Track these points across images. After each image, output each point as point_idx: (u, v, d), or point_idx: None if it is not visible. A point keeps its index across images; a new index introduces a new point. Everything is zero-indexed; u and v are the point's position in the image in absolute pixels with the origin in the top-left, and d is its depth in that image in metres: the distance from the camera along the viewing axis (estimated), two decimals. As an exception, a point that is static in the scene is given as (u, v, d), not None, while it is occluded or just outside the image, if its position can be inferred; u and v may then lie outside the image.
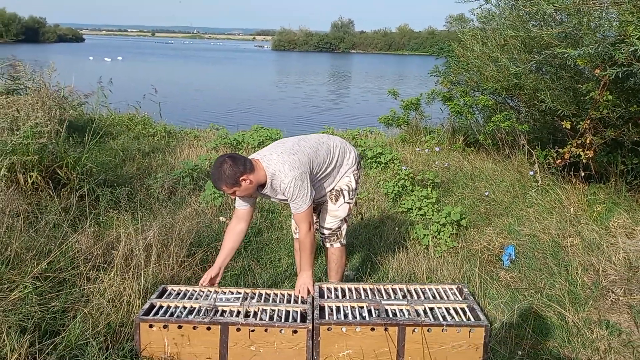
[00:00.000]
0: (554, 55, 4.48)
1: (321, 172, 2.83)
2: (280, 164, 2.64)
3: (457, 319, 2.42)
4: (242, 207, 2.86)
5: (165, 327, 2.37)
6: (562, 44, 4.37)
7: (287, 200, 2.75)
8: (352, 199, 2.97)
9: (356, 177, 2.98)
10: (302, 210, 2.69)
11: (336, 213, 2.94)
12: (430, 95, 7.90)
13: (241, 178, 2.55)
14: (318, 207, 3.02)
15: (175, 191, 4.93)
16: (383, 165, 6.13)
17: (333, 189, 2.94)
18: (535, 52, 4.93)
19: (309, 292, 2.68)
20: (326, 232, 2.95)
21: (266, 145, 7.02)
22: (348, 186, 2.94)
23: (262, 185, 2.70)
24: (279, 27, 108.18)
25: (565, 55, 3.88)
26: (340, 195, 2.93)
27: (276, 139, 7.10)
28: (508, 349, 2.56)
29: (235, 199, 2.84)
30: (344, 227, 2.98)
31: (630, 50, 3.37)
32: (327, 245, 3.00)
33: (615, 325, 2.78)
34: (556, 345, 2.60)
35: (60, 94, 6.91)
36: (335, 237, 2.97)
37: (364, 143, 7.06)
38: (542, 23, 5.04)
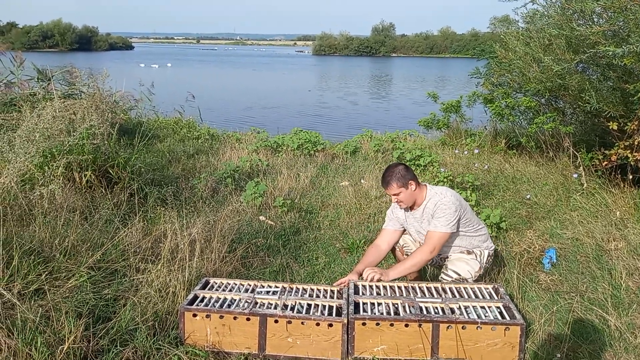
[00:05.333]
0: (600, 54, 4.36)
1: (463, 229, 2.95)
2: (445, 190, 2.93)
3: (492, 318, 2.42)
4: (390, 227, 3.10)
5: (207, 316, 2.49)
6: (608, 43, 4.25)
7: (421, 228, 2.94)
8: (479, 262, 2.97)
9: (487, 259, 3.02)
10: (440, 231, 2.82)
11: (468, 262, 2.95)
12: (471, 97, 7.80)
13: (410, 181, 2.85)
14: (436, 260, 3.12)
15: (218, 191, 5.11)
16: (422, 167, 6.11)
17: (464, 247, 3.01)
18: (580, 52, 4.81)
19: (373, 280, 2.81)
20: (453, 275, 2.94)
21: (305, 147, 7.12)
22: (480, 252, 3.00)
23: (412, 207, 2.95)
24: (319, 32, 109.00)
25: (610, 53, 3.77)
26: (472, 253, 3.00)
27: (315, 142, 7.24)
28: (546, 351, 2.53)
29: (385, 220, 3.14)
30: (471, 280, 2.94)
31: (679, 47, 3.26)
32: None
33: (661, 331, 2.69)
34: (596, 349, 2.54)
35: (112, 98, 7.29)
36: (460, 282, 2.93)
37: (403, 145, 7.06)
38: (588, 22, 4.92)
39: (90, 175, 4.28)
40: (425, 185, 2.98)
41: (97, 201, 4.05)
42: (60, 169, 4.08)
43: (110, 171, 4.45)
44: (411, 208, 2.97)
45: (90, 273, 2.82)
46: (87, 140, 4.43)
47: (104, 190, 4.23)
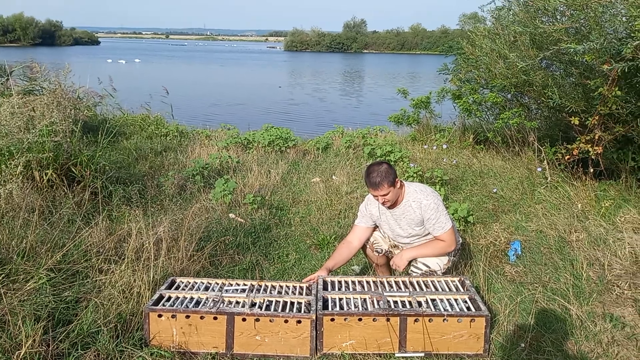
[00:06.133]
0: (563, 51, 4.47)
1: None
2: (423, 187, 2.96)
3: (458, 310, 2.45)
4: (362, 224, 3.08)
5: (173, 316, 2.44)
6: (570, 40, 4.36)
7: (403, 232, 2.96)
8: (447, 255, 2.96)
9: (454, 252, 3.03)
10: (448, 226, 2.87)
11: (440, 257, 2.95)
12: (440, 93, 7.90)
13: (396, 179, 2.83)
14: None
15: (186, 188, 5.02)
16: (392, 163, 6.16)
17: None
18: (544, 49, 4.92)
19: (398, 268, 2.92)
20: (423, 268, 2.93)
21: (276, 144, 7.07)
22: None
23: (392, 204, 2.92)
24: (291, 28, 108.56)
25: (571, 50, 3.87)
26: None
27: (286, 138, 7.20)
28: (510, 341, 2.58)
29: (357, 217, 3.13)
30: (439, 272, 2.94)
31: (635, 44, 3.37)
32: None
33: (619, 318, 2.78)
34: (559, 338, 2.61)
35: (75, 94, 7.07)
36: (429, 274, 2.92)
37: (374, 142, 7.10)
38: (551, 19, 5.03)
39: (51, 174, 4.14)
40: (402, 182, 2.97)
41: (59, 201, 3.91)
42: (19, 167, 3.93)
43: (73, 169, 4.31)
44: (391, 206, 2.95)
45: (49, 275, 2.72)
46: (47, 138, 4.27)
47: (65, 190, 4.09)
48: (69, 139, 4.54)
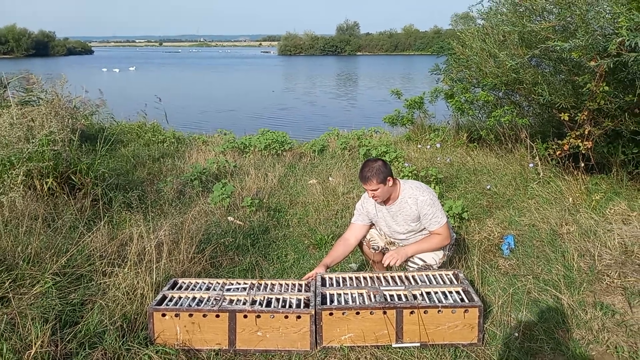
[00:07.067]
0: (551, 49, 4.58)
1: None
2: (418, 184, 3.05)
3: (452, 302, 2.53)
4: (359, 222, 3.17)
5: (176, 315, 2.51)
6: (557, 37, 4.47)
7: (400, 228, 3.03)
8: (442, 249, 3.05)
9: (449, 247, 3.11)
10: (444, 221, 2.96)
11: (436, 251, 3.03)
12: (433, 93, 8.00)
13: (388, 177, 2.91)
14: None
15: (185, 193, 5.10)
16: (388, 162, 6.24)
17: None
18: (533, 47, 5.03)
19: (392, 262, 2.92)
20: (419, 262, 3.01)
21: (272, 147, 7.14)
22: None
23: (387, 201, 3.01)
24: (284, 32, 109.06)
25: (558, 47, 3.98)
26: None
27: (282, 141, 7.28)
28: (504, 331, 2.66)
29: (354, 215, 3.20)
30: (435, 266, 3.03)
31: (619, 40, 3.47)
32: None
33: (609, 306, 2.87)
34: (551, 327, 2.69)
35: (72, 104, 7.14)
36: (425, 268, 3.00)
37: (369, 143, 7.19)
38: (539, 18, 5.14)
39: (51, 182, 4.21)
40: (397, 179, 3.06)
41: (60, 208, 3.98)
42: (20, 177, 4.00)
43: (73, 177, 4.38)
44: (385, 202, 3.04)
45: (55, 279, 2.79)
46: (47, 147, 4.35)
47: (66, 197, 4.16)
48: (67, 148, 4.61)
